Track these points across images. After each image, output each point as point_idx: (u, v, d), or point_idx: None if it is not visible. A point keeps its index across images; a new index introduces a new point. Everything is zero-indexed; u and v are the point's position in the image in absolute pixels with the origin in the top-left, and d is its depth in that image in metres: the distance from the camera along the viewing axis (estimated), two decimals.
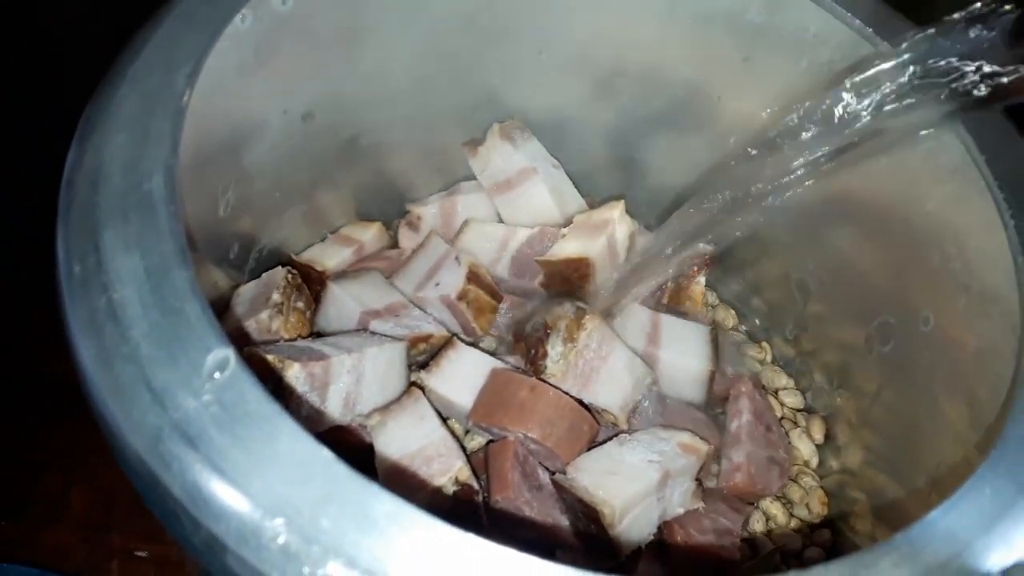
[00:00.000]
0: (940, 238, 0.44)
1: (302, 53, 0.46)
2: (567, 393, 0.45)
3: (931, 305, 0.46)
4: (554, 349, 0.47)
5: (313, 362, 0.42)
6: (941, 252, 0.44)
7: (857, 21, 0.44)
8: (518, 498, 0.43)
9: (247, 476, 0.24)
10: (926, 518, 0.27)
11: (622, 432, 0.47)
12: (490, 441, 0.47)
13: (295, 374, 0.42)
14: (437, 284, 0.52)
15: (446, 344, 0.49)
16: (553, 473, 0.45)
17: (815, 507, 0.53)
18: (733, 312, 0.61)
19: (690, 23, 0.51)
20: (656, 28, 0.52)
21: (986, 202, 0.39)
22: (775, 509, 0.52)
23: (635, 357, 0.48)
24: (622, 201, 0.54)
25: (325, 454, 0.25)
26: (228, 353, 0.26)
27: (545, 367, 0.47)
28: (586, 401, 0.47)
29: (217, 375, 0.26)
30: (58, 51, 0.74)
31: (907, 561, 0.25)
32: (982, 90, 0.36)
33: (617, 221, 0.53)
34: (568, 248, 0.51)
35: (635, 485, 0.42)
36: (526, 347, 0.50)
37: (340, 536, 0.23)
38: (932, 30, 0.35)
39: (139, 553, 0.53)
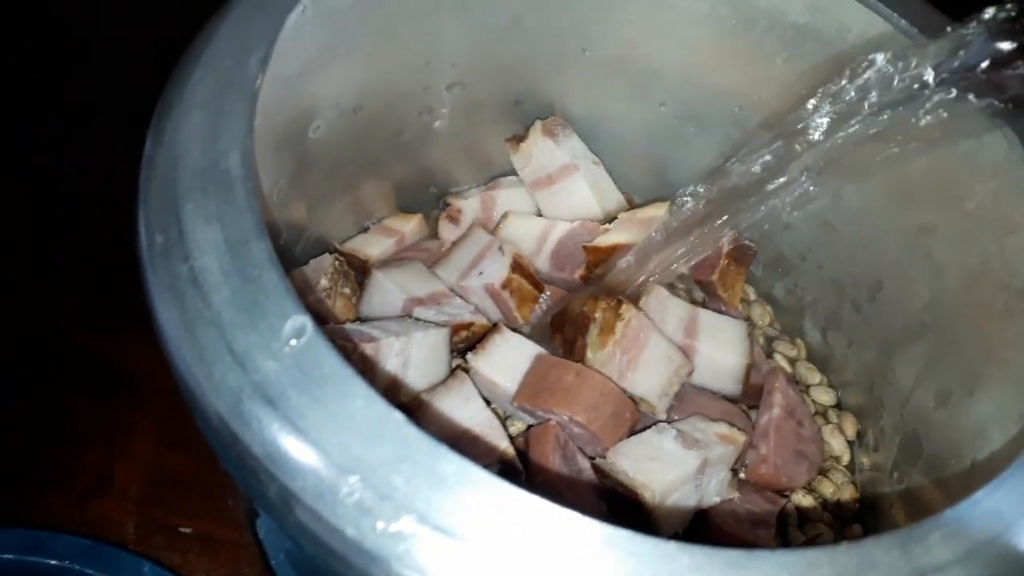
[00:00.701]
0: (980, 236, 0.45)
1: (355, 46, 0.48)
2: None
3: (970, 303, 0.46)
4: (593, 339, 0.48)
5: (364, 343, 0.44)
6: (981, 250, 0.45)
7: (903, 21, 0.45)
8: (558, 481, 0.44)
9: (324, 435, 0.25)
10: (973, 496, 0.27)
11: (660, 421, 0.48)
12: (530, 426, 0.48)
13: (346, 356, 0.43)
14: (481, 273, 0.53)
15: (492, 329, 0.50)
16: (593, 459, 0.46)
17: (847, 503, 0.53)
18: (769, 308, 0.62)
19: (732, 23, 0.52)
20: (698, 28, 0.53)
21: (1022, 199, 0.40)
22: (807, 503, 0.52)
23: (673, 347, 0.49)
24: (668, 202, 0.55)
25: (397, 416, 0.26)
26: (305, 320, 0.27)
27: (584, 357, 0.48)
28: (625, 390, 0.48)
29: (294, 341, 0.27)
30: (59, 52, 0.76)
31: (954, 537, 0.26)
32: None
33: (664, 218, 0.54)
34: (616, 236, 0.53)
35: (675, 471, 0.43)
36: (564, 338, 0.51)
37: (412, 493, 0.25)
38: (970, 26, 0.36)
39: (183, 529, 0.55)
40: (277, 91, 0.41)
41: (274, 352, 0.27)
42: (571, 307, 0.52)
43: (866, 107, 0.42)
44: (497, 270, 0.53)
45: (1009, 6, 0.34)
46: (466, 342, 0.52)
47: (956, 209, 0.47)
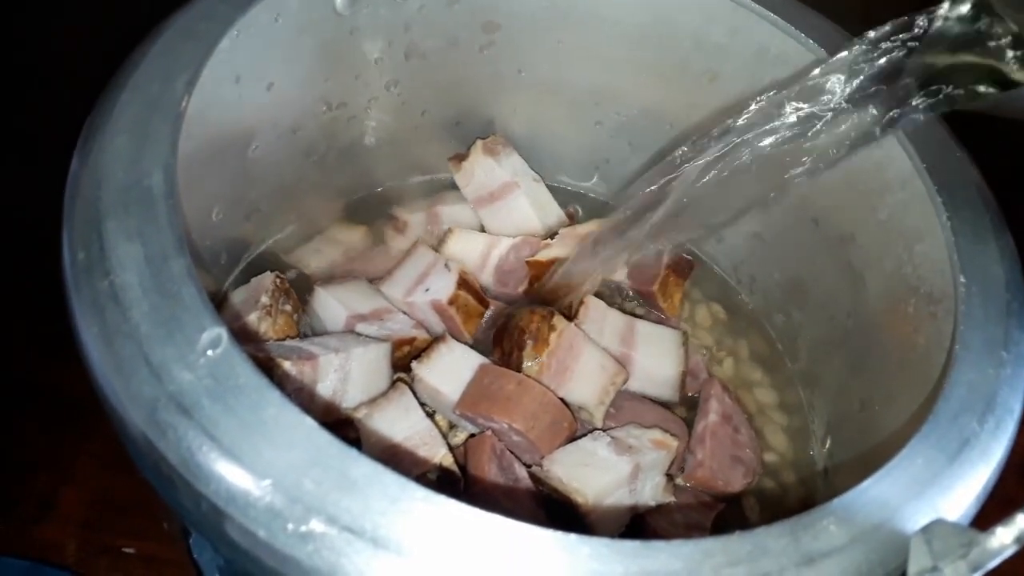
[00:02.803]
0: (893, 244, 0.47)
1: (291, 67, 0.49)
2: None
3: (886, 307, 0.49)
4: (528, 351, 0.50)
5: (302, 361, 0.44)
6: (894, 258, 0.47)
7: (811, 42, 0.47)
8: (495, 490, 0.45)
9: (237, 442, 0.26)
10: (860, 485, 0.29)
11: (597, 429, 0.49)
12: (471, 435, 0.49)
13: (285, 372, 0.44)
14: (427, 290, 0.54)
15: (437, 339, 0.51)
16: (529, 467, 0.47)
17: (790, 503, 0.54)
18: (714, 310, 0.63)
19: (659, 45, 0.55)
20: (627, 50, 0.56)
21: (927, 208, 0.42)
22: (748, 505, 0.53)
23: (606, 356, 0.51)
24: (598, 220, 0.57)
25: (309, 422, 0.27)
26: (221, 332, 0.28)
27: (521, 368, 0.49)
28: (563, 399, 0.49)
29: (210, 352, 0.28)
30: (7, 80, 0.76)
31: (842, 524, 0.28)
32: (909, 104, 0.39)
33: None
34: (557, 251, 0.54)
35: (607, 476, 0.44)
36: (502, 351, 0.53)
37: (322, 496, 0.25)
38: (864, 43, 0.38)
39: (127, 550, 0.54)
40: (210, 113, 0.42)
41: (190, 363, 0.27)
42: (509, 321, 0.53)
43: (781, 125, 0.45)
44: (444, 286, 0.54)
45: (888, 27, 0.37)
46: (408, 358, 0.53)
47: (871, 219, 0.49)
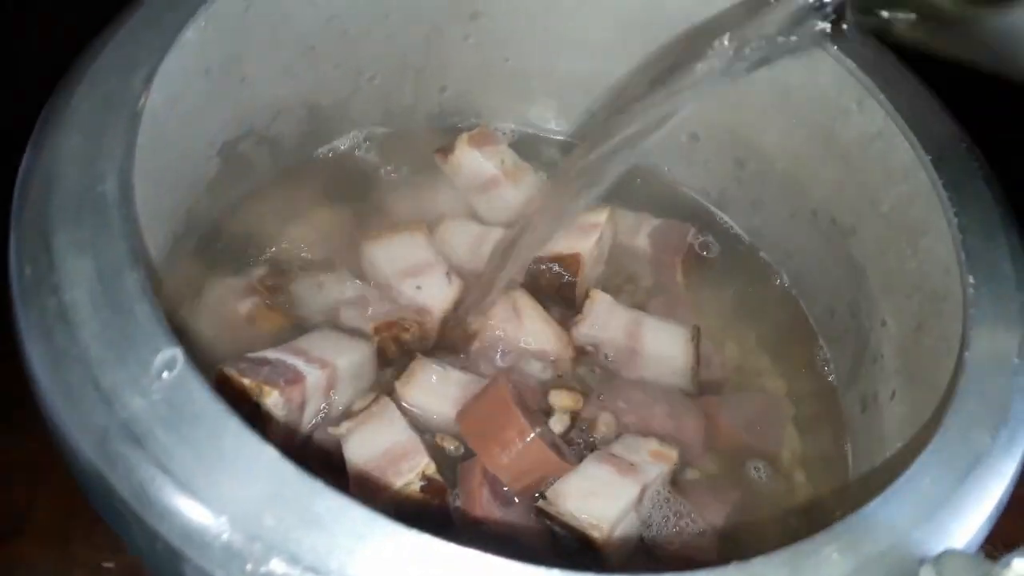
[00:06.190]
0: (896, 239, 0.45)
1: (265, 60, 0.47)
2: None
3: (889, 305, 0.47)
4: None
5: (290, 387, 0.42)
6: (896, 253, 0.45)
7: None
8: (488, 516, 0.43)
9: (192, 475, 0.24)
10: (866, 508, 0.27)
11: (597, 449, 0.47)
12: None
13: (274, 401, 0.42)
14: (419, 287, 0.52)
15: (414, 359, 0.49)
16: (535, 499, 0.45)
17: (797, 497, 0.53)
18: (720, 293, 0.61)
19: (649, 29, 0.52)
20: (616, 36, 0.53)
21: (932, 201, 0.40)
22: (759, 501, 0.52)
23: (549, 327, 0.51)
24: (608, 207, 0.55)
25: (270, 452, 0.25)
26: (176, 353, 0.26)
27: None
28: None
29: (165, 374, 0.26)
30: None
31: (847, 550, 0.26)
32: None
33: (605, 225, 0.54)
34: (558, 245, 0.52)
35: (619, 503, 0.42)
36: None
37: (283, 533, 0.24)
38: None
39: (105, 564, 0.53)
40: (182, 108, 0.40)
41: (142, 388, 0.25)
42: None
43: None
44: (439, 297, 0.52)
45: None
46: (390, 340, 0.51)
47: (873, 212, 0.47)
